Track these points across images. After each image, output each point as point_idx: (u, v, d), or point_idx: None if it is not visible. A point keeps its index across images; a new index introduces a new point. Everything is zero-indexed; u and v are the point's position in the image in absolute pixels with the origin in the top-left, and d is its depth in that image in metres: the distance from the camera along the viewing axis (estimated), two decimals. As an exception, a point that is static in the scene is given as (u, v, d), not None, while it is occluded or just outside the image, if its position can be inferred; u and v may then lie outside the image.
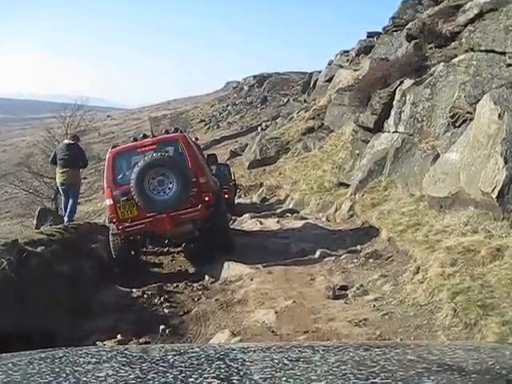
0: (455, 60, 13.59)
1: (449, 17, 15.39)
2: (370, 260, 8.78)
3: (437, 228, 8.09)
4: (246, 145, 43.03)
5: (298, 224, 13.77)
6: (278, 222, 14.30)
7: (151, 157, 9.54)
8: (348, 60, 40.40)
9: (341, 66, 39.32)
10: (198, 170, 9.91)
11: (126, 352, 1.63)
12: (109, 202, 9.98)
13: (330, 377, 1.24)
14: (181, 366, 1.38)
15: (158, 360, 1.49)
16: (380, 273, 7.99)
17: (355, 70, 33.94)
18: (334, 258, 9.33)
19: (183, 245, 12.01)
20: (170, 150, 10.10)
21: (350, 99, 18.12)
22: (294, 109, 44.38)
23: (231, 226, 15.81)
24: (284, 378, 1.24)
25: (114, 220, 9.92)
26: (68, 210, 12.02)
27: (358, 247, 9.83)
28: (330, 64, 45.51)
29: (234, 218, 18.25)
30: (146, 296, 8.70)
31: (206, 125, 69.82)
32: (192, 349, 1.63)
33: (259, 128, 49.70)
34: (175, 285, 9.39)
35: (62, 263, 8.97)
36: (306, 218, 15.11)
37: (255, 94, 70.33)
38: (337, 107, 28.75)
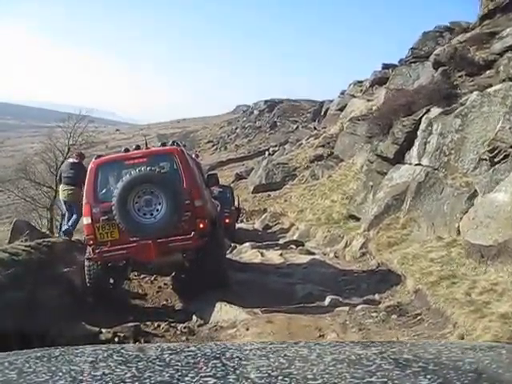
0: (490, 90, 12.01)
1: (483, 44, 13.86)
2: (393, 316, 7.04)
3: (482, 285, 6.38)
4: (252, 168, 41.57)
5: (304, 259, 12.06)
6: (281, 254, 12.59)
7: (139, 171, 7.90)
8: (361, 90, 39.00)
9: (354, 96, 37.96)
10: (193, 190, 8.25)
11: (122, 351, 1.59)
12: (86, 220, 8.33)
13: (327, 376, 1.22)
14: (177, 365, 1.35)
15: (154, 359, 1.46)
16: (407, 335, 6.26)
17: (369, 101, 32.61)
18: (347, 308, 7.60)
19: (172, 274, 10.30)
20: (163, 165, 8.46)
21: (369, 126, 16.49)
22: (303, 136, 43.05)
23: (229, 255, 14.14)
24: (280, 377, 1.21)
25: (91, 242, 8.26)
26: (70, 222, 11.48)
27: (377, 296, 8.12)
28: (342, 93, 44.17)
29: (233, 245, 16.53)
30: (117, 339, 7.01)
31: (213, 145, 68.42)
32: (188, 348, 1.58)
33: (266, 153, 48.19)
34: (156, 324, 7.81)
35: (19, 289, 7.32)
36: (313, 253, 13.40)
37: (265, 118, 69.00)
38: (348, 136, 27.27)
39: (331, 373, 1.25)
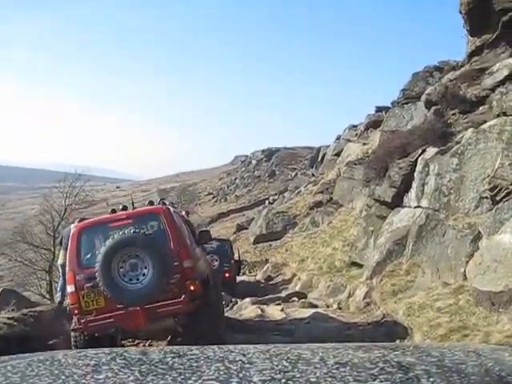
0: (485, 126, 11.68)
1: (473, 80, 13.61)
2: (402, 376, 6.43)
3: (496, 338, 5.82)
4: (253, 218, 41.11)
5: (306, 313, 11.45)
6: (282, 309, 11.99)
7: (122, 234, 7.44)
8: (356, 134, 38.92)
9: (349, 141, 37.82)
10: (182, 251, 7.76)
11: (125, 354, 1.55)
12: (70, 288, 7.81)
13: (330, 379, 1.21)
14: (180, 368, 1.35)
15: (157, 362, 1.44)
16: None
17: (364, 144, 32.43)
18: (352, 368, 6.98)
19: (168, 338, 9.70)
20: (149, 226, 8.01)
21: (365, 170, 16.10)
22: (302, 183, 42.81)
23: (229, 312, 13.53)
24: (283, 380, 1.20)
25: (76, 312, 7.72)
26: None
27: (383, 353, 7.51)
28: (338, 139, 44.10)
29: (234, 300, 15.92)
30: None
31: (213, 197, 68.18)
32: (191, 351, 1.57)
33: (267, 201, 47.84)
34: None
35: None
36: (315, 306, 12.79)
37: (263, 168, 69.01)
38: (346, 181, 26.90)
39: (334, 376, 1.24)
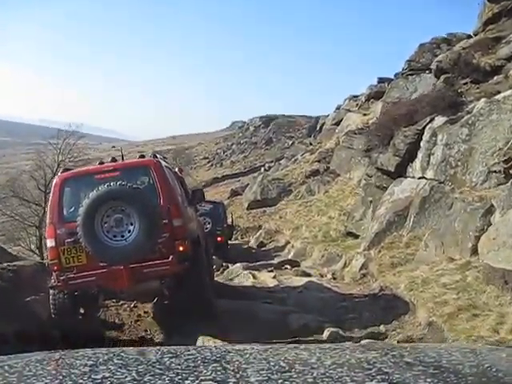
0: (499, 96, 10.98)
1: (488, 49, 12.87)
2: (404, 355, 5.88)
3: (513, 320, 5.23)
4: (248, 185, 40.53)
5: (299, 282, 10.89)
6: (274, 277, 11.43)
7: (107, 186, 6.78)
8: (357, 105, 38.04)
9: (349, 111, 36.96)
10: (172, 208, 7.12)
11: (122, 354, 1.55)
12: (50, 243, 7.20)
13: (327, 379, 1.20)
14: (177, 369, 1.34)
15: (154, 362, 1.44)
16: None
17: (365, 115, 31.68)
18: (349, 343, 6.43)
19: (154, 300, 9.14)
20: (138, 180, 7.36)
21: (368, 137, 15.39)
22: (299, 151, 42.04)
23: (220, 277, 13.00)
24: (280, 381, 1.19)
25: (55, 268, 7.12)
26: None
27: (382, 328, 6.96)
28: (338, 108, 43.22)
29: (225, 264, 15.38)
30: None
31: (209, 162, 67.37)
32: (188, 351, 1.57)
33: (262, 169, 47.14)
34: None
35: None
36: (309, 274, 12.24)
37: (260, 134, 68.03)
38: (345, 150, 26.20)
39: (331, 376, 1.23)
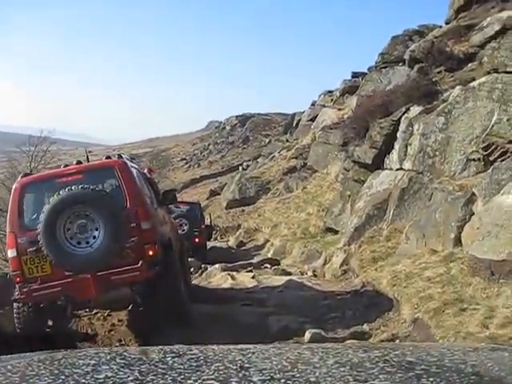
0: (474, 83, 10.72)
1: (461, 37, 12.61)
2: (390, 355, 5.53)
3: (503, 314, 4.89)
4: (226, 184, 40.12)
5: (279, 281, 10.52)
6: (253, 277, 11.03)
7: (68, 190, 6.32)
8: (332, 100, 37.79)
9: (324, 106, 36.72)
10: (140, 210, 6.69)
11: (124, 354, 1.55)
12: (11, 253, 6.72)
13: (329, 379, 1.20)
14: (180, 368, 1.33)
15: (156, 362, 1.42)
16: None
17: (340, 110, 31.46)
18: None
19: (129, 307, 8.67)
20: (103, 182, 6.91)
21: (344, 130, 15.07)
22: (276, 149, 41.69)
23: (198, 279, 12.57)
24: (283, 380, 1.19)
25: (18, 280, 6.65)
26: None
27: (366, 327, 6.61)
28: (313, 104, 42.97)
29: (204, 266, 14.93)
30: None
31: (186, 163, 66.62)
32: (191, 351, 1.55)
33: (240, 168, 46.76)
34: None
35: None
36: (289, 273, 11.87)
37: (237, 133, 67.45)
38: (321, 146, 25.92)
39: (334, 375, 1.23)
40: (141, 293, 7.06)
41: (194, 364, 1.38)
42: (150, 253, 6.62)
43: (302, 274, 11.96)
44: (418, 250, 8.39)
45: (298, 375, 1.23)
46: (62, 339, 7.53)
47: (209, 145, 69.93)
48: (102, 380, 1.24)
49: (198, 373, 1.29)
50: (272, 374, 1.24)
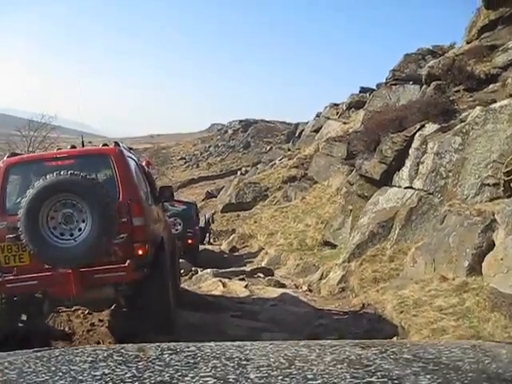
0: (496, 105, 10.15)
1: (483, 57, 12.07)
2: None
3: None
4: (223, 187, 39.56)
5: (273, 293, 9.89)
6: (246, 286, 10.38)
7: (56, 176, 5.69)
8: (337, 113, 37.39)
9: (329, 118, 36.28)
10: (133, 205, 6.03)
11: (122, 351, 1.55)
12: None
13: (327, 376, 1.18)
14: (177, 365, 1.32)
15: (154, 359, 1.42)
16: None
17: (345, 123, 31.03)
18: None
19: (112, 306, 8.02)
20: (95, 170, 6.27)
21: (352, 142, 14.48)
22: (277, 156, 41.19)
23: (187, 283, 11.92)
24: (280, 377, 1.16)
25: (-8, 268, 5.99)
26: None
27: (367, 355, 5.96)
28: (318, 116, 42.58)
29: (194, 269, 14.28)
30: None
31: (185, 163, 66.05)
32: (188, 348, 1.54)
33: (239, 172, 46.20)
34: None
35: None
36: (283, 285, 11.25)
37: (239, 138, 66.94)
38: (324, 157, 25.38)
39: (331, 373, 1.21)
40: (125, 295, 6.42)
41: (191, 361, 1.38)
42: (140, 252, 5.98)
43: (297, 288, 11.34)
44: (427, 276, 7.77)
45: (295, 372, 1.22)
46: (35, 336, 6.90)
47: (209, 147, 69.41)
48: (99, 377, 1.23)
49: (195, 370, 1.28)
50: (269, 371, 1.22)
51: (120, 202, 5.96)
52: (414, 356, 1.38)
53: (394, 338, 6.31)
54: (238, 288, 10.24)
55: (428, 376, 1.15)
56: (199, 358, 1.40)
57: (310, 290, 11.01)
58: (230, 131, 70.98)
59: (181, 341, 5.40)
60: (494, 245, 6.76)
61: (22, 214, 5.63)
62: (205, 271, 12.45)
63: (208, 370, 1.24)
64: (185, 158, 67.97)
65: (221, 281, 10.70)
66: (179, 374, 1.21)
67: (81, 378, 1.24)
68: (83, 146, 7.52)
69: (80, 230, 5.73)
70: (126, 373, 1.24)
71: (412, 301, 6.74)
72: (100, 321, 8.05)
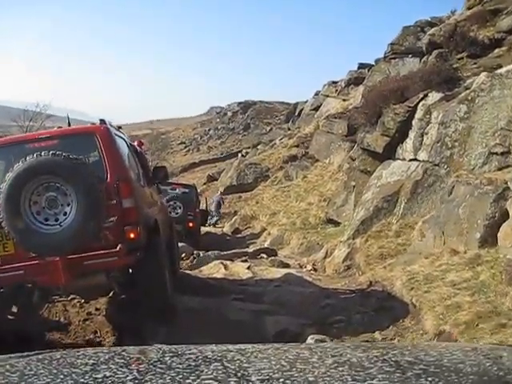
0: (502, 70, 9.67)
1: (486, 22, 11.53)
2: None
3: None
4: (224, 170, 39.11)
5: (276, 274, 9.51)
6: (248, 267, 10.00)
7: (37, 157, 5.27)
8: (336, 90, 36.69)
9: (328, 96, 35.65)
10: (122, 186, 5.61)
11: (123, 353, 1.52)
12: None
13: (328, 378, 1.18)
14: (178, 368, 1.30)
15: (155, 361, 1.41)
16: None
17: (344, 100, 30.44)
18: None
19: (111, 293, 7.64)
20: (80, 150, 5.84)
21: (353, 116, 13.99)
22: (277, 136, 40.65)
23: (188, 268, 11.55)
24: (282, 380, 1.15)
25: (-25, 259, 5.60)
26: None
27: (378, 335, 5.57)
28: (316, 94, 41.89)
29: (196, 252, 13.90)
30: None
31: (186, 147, 65.38)
32: (189, 350, 1.52)
33: (239, 154, 45.68)
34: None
35: None
36: (287, 265, 10.88)
37: (238, 120, 66.19)
38: (324, 135, 24.89)
39: (332, 375, 1.20)
40: (119, 281, 6.04)
41: (193, 364, 1.36)
42: (131, 235, 5.58)
43: (301, 267, 10.97)
44: (436, 249, 7.36)
45: (296, 375, 1.20)
46: (27, 328, 6.54)
47: (209, 130, 68.73)
48: (100, 379, 1.21)
49: (197, 372, 1.26)
50: (271, 374, 1.20)
51: (108, 183, 5.54)
52: (416, 359, 1.37)
53: (407, 319, 5.94)
54: (240, 270, 9.87)
55: (429, 379, 1.14)
56: (200, 361, 1.39)
57: (315, 269, 10.64)
58: (229, 113, 70.23)
59: (181, 328, 5.00)
60: (508, 214, 6.35)
61: (2, 200, 5.22)
62: (206, 254, 12.07)
63: (209, 373, 1.23)
64: (185, 143, 67.33)
65: (222, 263, 10.32)
66: (180, 376, 1.20)
67: (82, 380, 1.24)
68: (69, 126, 7.09)
69: (65, 214, 5.33)
70: (127, 375, 1.23)
71: (422, 276, 6.33)
72: (97, 310, 7.68)
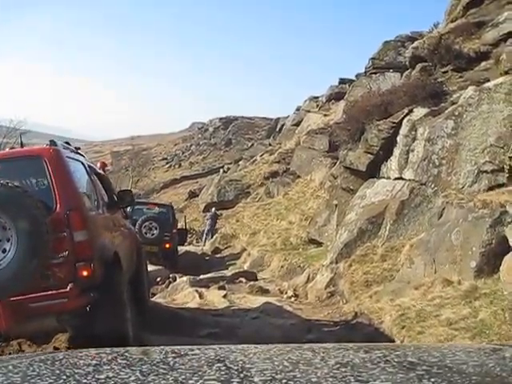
0: (490, 84, 9.13)
1: (471, 34, 11.03)
2: None
3: None
4: (205, 186, 38.42)
5: (255, 302, 8.79)
6: (225, 295, 9.25)
7: (-30, 186, 4.50)
8: (318, 105, 36.34)
9: (309, 112, 35.27)
10: (73, 216, 4.84)
11: (126, 354, 1.50)
12: None
13: (331, 379, 1.15)
14: (181, 369, 1.29)
15: (158, 362, 1.38)
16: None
17: (326, 115, 30.03)
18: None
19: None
20: (26, 176, 5.08)
21: (335, 132, 13.38)
22: (258, 152, 40.09)
23: (162, 293, 10.78)
24: (284, 381, 1.12)
25: None
26: None
27: None
28: (298, 110, 41.53)
29: (172, 275, 13.11)
30: None
31: (167, 163, 64.55)
32: (192, 351, 1.50)
33: (221, 170, 45.05)
34: None
35: None
36: (267, 291, 10.16)
37: (220, 136, 65.54)
38: (305, 151, 24.40)
39: (335, 376, 1.18)
40: (72, 324, 5.26)
41: (196, 364, 1.34)
42: (84, 273, 4.82)
43: (282, 293, 10.25)
44: (427, 278, 6.70)
45: (299, 375, 1.17)
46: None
47: (191, 146, 68.06)
48: (103, 380, 1.18)
49: (200, 373, 1.22)
50: (273, 375, 1.17)
51: (57, 213, 4.78)
52: (418, 359, 1.33)
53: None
54: (215, 299, 9.11)
55: (432, 379, 1.12)
56: (203, 362, 1.35)
57: (296, 295, 9.93)
58: (210, 129, 69.57)
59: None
60: (507, 241, 5.72)
61: None
62: (181, 279, 11.29)
63: (212, 374, 1.19)
64: (166, 159, 66.50)
65: (197, 291, 9.55)
66: (183, 377, 1.18)
67: (85, 381, 1.21)
68: (22, 146, 6.34)
69: (4, 251, 4.55)
70: (130, 376, 1.20)
71: (415, 313, 5.65)
72: (56, 349, 6.90)
